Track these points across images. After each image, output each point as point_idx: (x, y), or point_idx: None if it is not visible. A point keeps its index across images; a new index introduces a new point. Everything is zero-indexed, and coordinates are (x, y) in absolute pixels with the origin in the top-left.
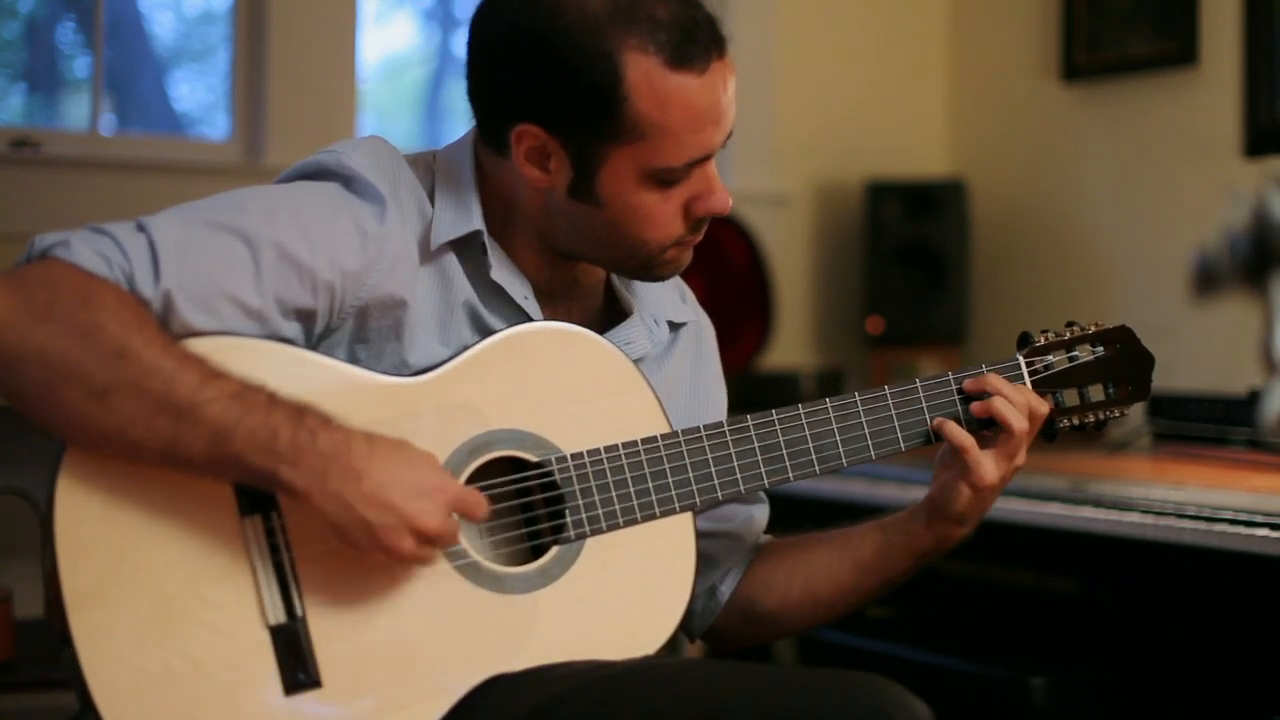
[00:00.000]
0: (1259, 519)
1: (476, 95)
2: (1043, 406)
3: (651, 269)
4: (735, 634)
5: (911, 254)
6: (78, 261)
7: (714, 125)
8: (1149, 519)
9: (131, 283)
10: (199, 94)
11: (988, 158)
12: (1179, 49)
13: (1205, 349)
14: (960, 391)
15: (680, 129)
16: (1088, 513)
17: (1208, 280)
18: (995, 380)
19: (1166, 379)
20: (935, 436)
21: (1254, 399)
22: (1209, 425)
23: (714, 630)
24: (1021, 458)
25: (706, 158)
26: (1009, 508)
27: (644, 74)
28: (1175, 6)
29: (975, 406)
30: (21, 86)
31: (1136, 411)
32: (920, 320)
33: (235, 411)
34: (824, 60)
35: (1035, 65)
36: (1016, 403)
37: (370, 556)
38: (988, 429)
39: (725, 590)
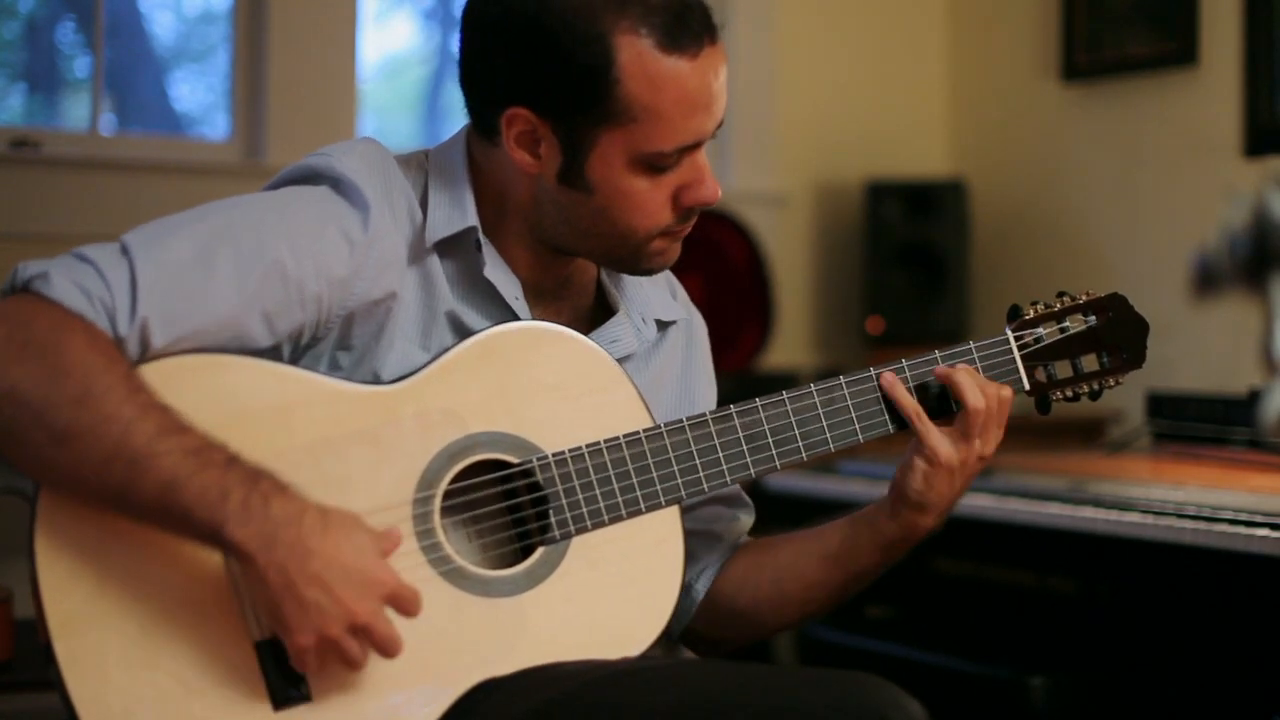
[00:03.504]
0: (1259, 519)
1: (469, 81)
2: (1005, 391)
3: (640, 260)
4: (710, 634)
5: (911, 254)
6: (56, 297)
7: (705, 111)
8: (1149, 519)
9: (112, 315)
10: (199, 94)
11: (988, 158)
12: (1179, 49)
13: (1205, 349)
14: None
15: (671, 112)
16: (1088, 513)
17: (1208, 280)
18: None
19: (1166, 379)
20: None
21: (1254, 399)
22: (1209, 425)
23: (690, 631)
24: (985, 447)
25: (697, 145)
26: (1009, 508)
27: (636, 56)
28: (1175, 6)
29: (937, 371)
30: (21, 86)
31: (1136, 411)
32: (920, 320)
33: (189, 466)
34: (824, 60)
35: (1035, 65)
36: (986, 389)
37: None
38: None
39: (700, 588)
